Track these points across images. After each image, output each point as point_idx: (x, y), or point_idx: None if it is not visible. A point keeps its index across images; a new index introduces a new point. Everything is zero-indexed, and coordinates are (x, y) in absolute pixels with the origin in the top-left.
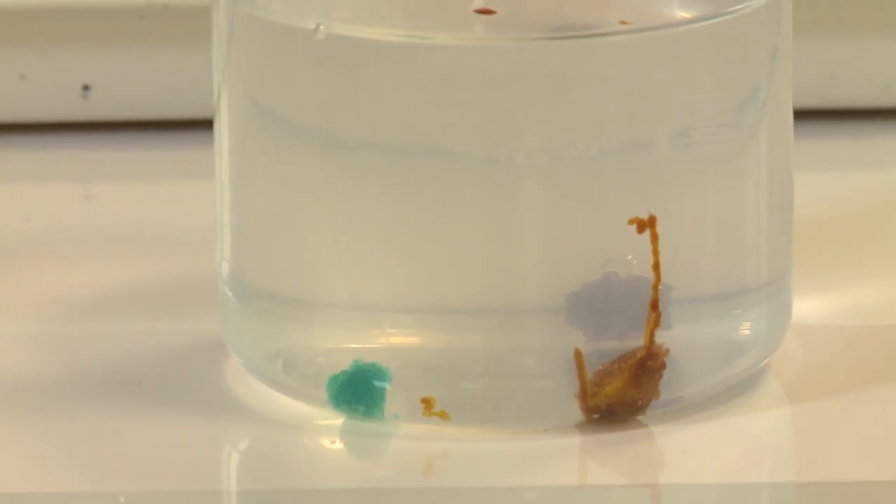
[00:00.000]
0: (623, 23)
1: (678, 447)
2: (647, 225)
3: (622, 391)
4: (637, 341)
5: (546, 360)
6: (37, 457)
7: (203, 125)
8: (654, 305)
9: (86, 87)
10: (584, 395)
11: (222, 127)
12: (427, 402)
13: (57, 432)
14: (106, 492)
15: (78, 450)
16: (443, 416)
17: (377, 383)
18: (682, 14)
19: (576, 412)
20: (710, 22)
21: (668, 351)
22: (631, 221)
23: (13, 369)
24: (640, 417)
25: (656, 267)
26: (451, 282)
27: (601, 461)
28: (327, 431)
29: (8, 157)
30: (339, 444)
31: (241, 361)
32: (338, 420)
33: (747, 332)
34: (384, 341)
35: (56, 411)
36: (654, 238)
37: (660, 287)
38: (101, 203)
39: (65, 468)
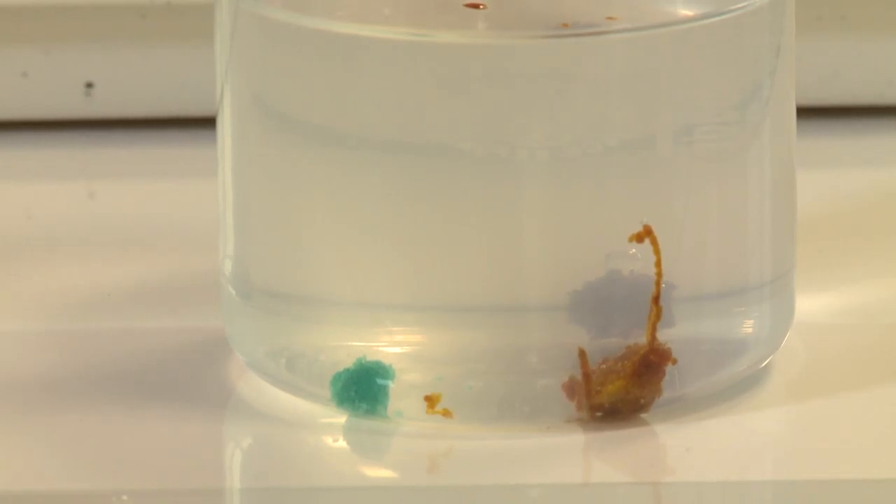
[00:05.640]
0: (610, 18)
1: (682, 445)
2: (644, 235)
3: (625, 389)
4: (640, 339)
5: (549, 357)
6: (39, 455)
7: (206, 123)
8: (656, 300)
9: (89, 85)
10: (587, 394)
11: (225, 125)
12: (430, 400)
13: (60, 430)
14: (109, 490)
15: (81, 448)
16: (446, 413)
17: (380, 381)
18: (686, 12)
19: (578, 410)
20: (714, 20)
21: (670, 350)
22: (630, 239)
23: (15, 368)
24: (643, 415)
25: (658, 263)
26: (454, 280)
27: (605, 459)
28: (330, 429)
29: (11, 154)
30: (342, 442)
31: (244, 359)
32: (341, 418)
33: (750, 330)
34: (387, 339)
35: (59, 409)
36: (654, 241)
37: (662, 283)
38: (104, 201)
39: (68, 466)
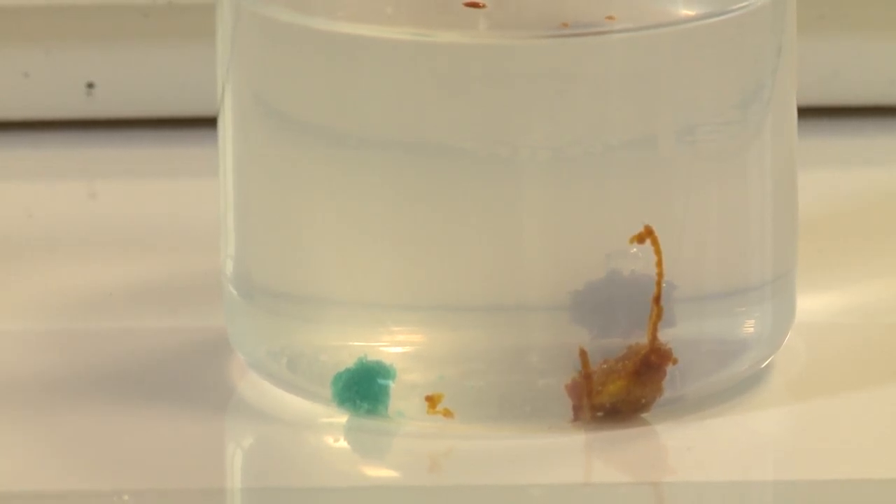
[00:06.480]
0: (610, 18)
1: (683, 445)
2: (645, 236)
3: (626, 389)
4: (641, 339)
5: (550, 357)
6: (39, 455)
7: (207, 123)
8: (657, 300)
9: (90, 85)
10: (588, 393)
11: (226, 125)
12: (431, 400)
13: (60, 430)
14: (109, 490)
15: (81, 448)
16: (447, 413)
17: (381, 381)
18: (686, 12)
19: (580, 410)
20: (715, 20)
21: (671, 350)
22: (631, 241)
23: (15, 368)
24: (644, 415)
25: (659, 264)
26: (455, 279)
27: (606, 459)
28: (331, 429)
29: (12, 154)
30: (343, 442)
31: (245, 359)
32: (342, 418)
33: (751, 329)
34: (388, 339)
35: (60, 409)
36: (655, 241)
37: (663, 283)
38: (105, 201)
39: (69, 466)
